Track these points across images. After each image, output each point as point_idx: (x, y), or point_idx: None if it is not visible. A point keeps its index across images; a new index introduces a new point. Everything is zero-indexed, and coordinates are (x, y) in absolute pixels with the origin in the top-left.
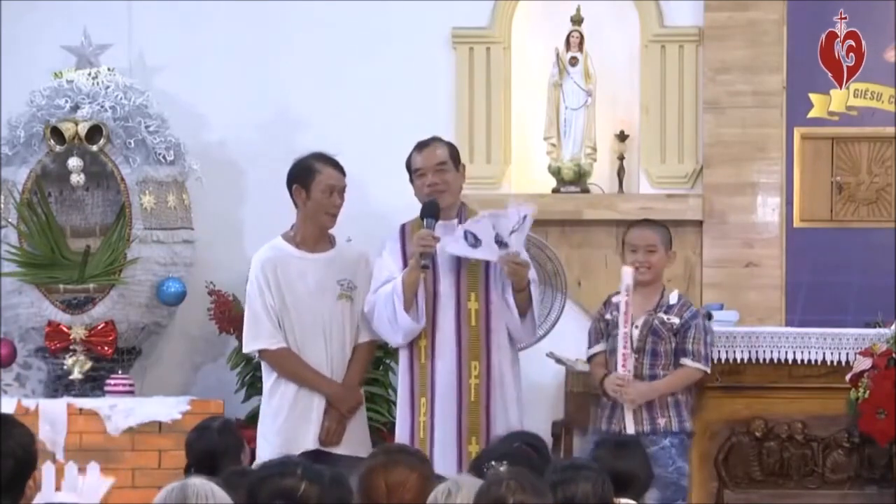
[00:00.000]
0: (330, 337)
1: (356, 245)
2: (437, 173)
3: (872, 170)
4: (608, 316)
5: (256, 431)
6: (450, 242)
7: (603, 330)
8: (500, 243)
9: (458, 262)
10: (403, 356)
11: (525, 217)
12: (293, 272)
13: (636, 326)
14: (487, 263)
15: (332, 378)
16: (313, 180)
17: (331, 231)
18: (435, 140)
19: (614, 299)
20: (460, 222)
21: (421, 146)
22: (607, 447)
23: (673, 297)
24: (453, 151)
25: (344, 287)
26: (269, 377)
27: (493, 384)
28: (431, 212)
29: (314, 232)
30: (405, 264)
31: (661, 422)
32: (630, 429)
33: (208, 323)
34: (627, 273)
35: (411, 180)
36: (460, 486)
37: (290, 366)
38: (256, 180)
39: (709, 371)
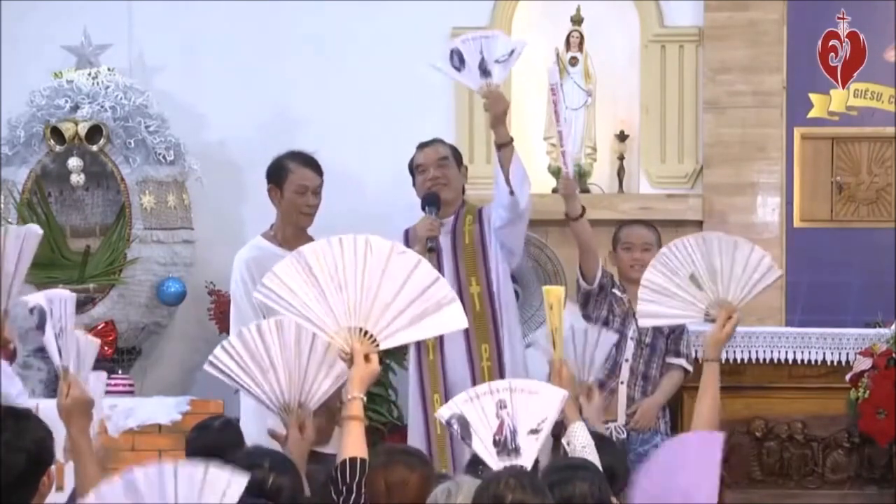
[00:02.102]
0: None
1: None
2: (439, 167)
3: (872, 170)
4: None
5: None
6: (439, 59)
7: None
8: (484, 71)
9: (456, 249)
10: (412, 354)
11: (513, 51)
12: None
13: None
14: (484, 247)
15: None
16: (285, 180)
17: (309, 231)
18: (437, 140)
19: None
20: (457, 220)
21: (423, 145)
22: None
23: None
24: (455, 151)
25: None
26: None
27: (506, 366)
28: (432, 201)
29: (293, 231)
30: None
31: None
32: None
33: (208, 323)
34: (553, 71)
35: (413, 182)
36: (460, 486)
37: None
38: (256, 180)
39: (691, 372)
